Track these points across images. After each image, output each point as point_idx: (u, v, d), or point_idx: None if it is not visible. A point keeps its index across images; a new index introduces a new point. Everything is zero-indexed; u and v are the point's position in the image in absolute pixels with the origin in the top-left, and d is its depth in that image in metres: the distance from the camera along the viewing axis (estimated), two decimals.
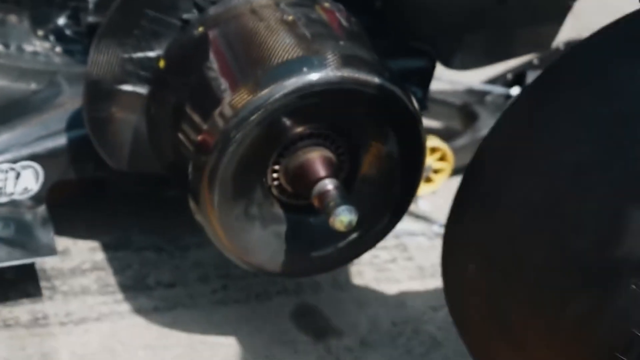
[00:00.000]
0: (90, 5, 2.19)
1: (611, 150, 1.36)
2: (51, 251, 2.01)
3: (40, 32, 2.21)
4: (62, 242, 2.20)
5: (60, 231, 2.19)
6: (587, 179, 1.38)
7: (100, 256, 2.21)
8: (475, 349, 1.65)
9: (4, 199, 2.02)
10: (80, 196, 2.22)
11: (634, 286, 1.31)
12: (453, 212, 1.72)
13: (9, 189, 2.02)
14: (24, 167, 2.02)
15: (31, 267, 2.10)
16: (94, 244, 2.23)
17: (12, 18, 2.18)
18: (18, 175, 2.02)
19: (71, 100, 2.07)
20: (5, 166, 2.00)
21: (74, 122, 2.05)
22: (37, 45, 2.19)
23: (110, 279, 2.15)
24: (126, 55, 1.90)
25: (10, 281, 2.08)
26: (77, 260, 2.19)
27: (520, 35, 2.31)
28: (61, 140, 2.04)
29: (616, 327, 1.33)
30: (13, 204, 2.04)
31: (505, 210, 1.52)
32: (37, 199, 2.06)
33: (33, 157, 2.02)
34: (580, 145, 1.41)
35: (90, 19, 2.20)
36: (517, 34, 2.29)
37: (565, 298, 1.39)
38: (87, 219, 2.28)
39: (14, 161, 2.01)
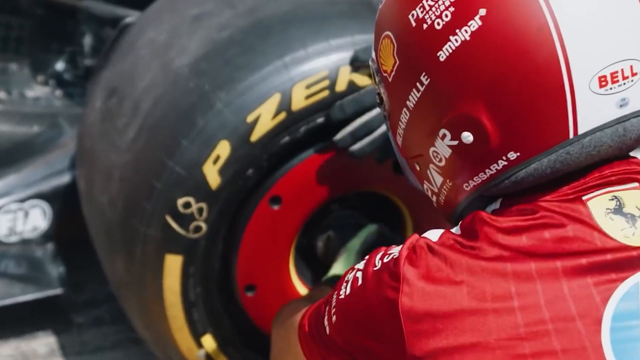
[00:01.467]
0: (87, 49, 2.30)
1: None
2: (62, 284, 2.10)
3: (40, 78, 2.32)
4: (75, 278, 2.28)
5: (72, 266, 2.27)
6: None
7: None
8: None
9: (14, 238, 2.12)
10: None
11: None
12: None
13: (19, 227, 2.12)
14: (32, 206, 2.12)
15: (45, 301, 2.18)
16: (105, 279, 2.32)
17: (13, 66, 2.29)
18: (27, 214, 2.12)
19: (73, 140, 2.17)
20: (14, 206, 2.10)
21: None
22: (38, 91, 2.30)
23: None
24: None
25: (26, 316, 2.17)
26: (89, 293, 2.28)
27: None
28: (65, 178, 2.14)
29: None
30: (23, 242, 2.13)
31: None
32: (46, 236, 2.15)
33: (40, 196, 2.12)
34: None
35: (87, 62, 2.31)
36: None
37: None
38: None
39: (22, 200, 2.11)
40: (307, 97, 1.65)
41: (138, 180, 1.70)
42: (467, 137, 1.00)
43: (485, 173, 1.02)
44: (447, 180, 1.06)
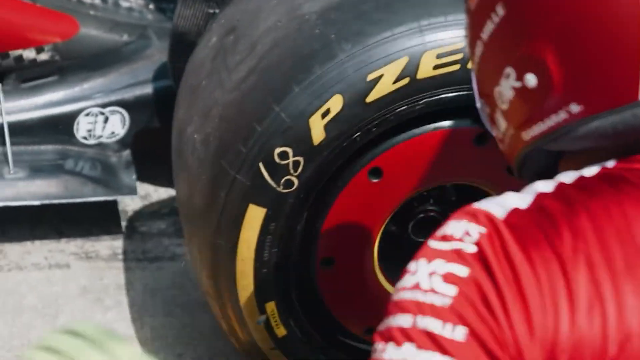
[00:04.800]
0: None
1: None
2: (132, 191, 2.16)
3: None
4: (143, 188, 2.34)
5: (143, 177, 2.33)
6: None
7: None
8: None
9: (92, 141, 2.18)
10: (163, 145, 2.36)
11: None
12: None
13: (98, 131, 2.18)
14: (112, 112, 2.18)
15: (114, 206, 2.25)
16: (173, 192, 2.37)
17: None
18: (106, 120, 2.17)
19: (159, 52, 2.22)
20: (96, 110, 2.16)
21: (160, 73, 2.20)
22: (133, 2, 2.34)
23: None
24: (211, 11, 2.03)
25: (94, 218, 2.24)
26: (156, 205, 2.33)
27: None
28: (148, 89, 2.19)
29: None
30: (100, 146, 2.19)
31: None
32: (122, 143, 2.21)
33: (121, 104, 2.17)
34: None
35: None
36: None
37: None
38: (169, 168, 2.42)
39: (104, 106, 2.16)
40: (436, 67, 1.53)
41: (239, 121, 1.59)
42: (531, 79, 0.93)
43: (544, 123, 0.95)
44: (509, 126, 0.99)
